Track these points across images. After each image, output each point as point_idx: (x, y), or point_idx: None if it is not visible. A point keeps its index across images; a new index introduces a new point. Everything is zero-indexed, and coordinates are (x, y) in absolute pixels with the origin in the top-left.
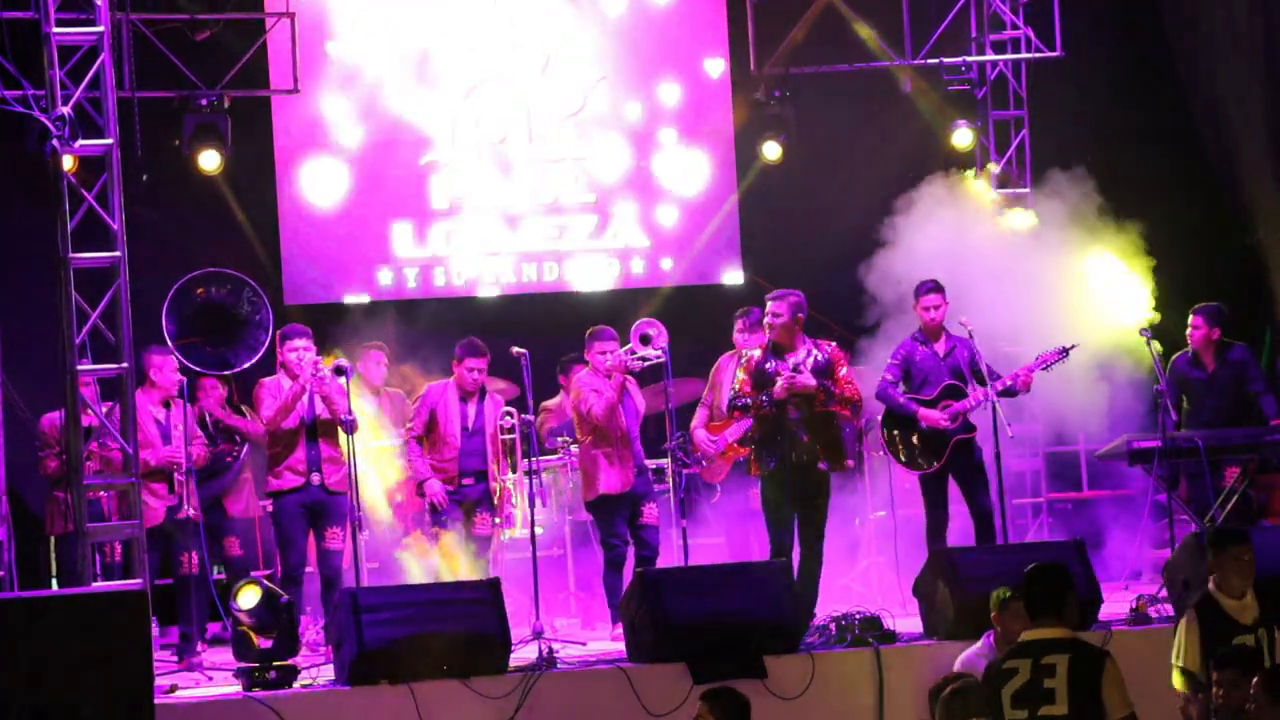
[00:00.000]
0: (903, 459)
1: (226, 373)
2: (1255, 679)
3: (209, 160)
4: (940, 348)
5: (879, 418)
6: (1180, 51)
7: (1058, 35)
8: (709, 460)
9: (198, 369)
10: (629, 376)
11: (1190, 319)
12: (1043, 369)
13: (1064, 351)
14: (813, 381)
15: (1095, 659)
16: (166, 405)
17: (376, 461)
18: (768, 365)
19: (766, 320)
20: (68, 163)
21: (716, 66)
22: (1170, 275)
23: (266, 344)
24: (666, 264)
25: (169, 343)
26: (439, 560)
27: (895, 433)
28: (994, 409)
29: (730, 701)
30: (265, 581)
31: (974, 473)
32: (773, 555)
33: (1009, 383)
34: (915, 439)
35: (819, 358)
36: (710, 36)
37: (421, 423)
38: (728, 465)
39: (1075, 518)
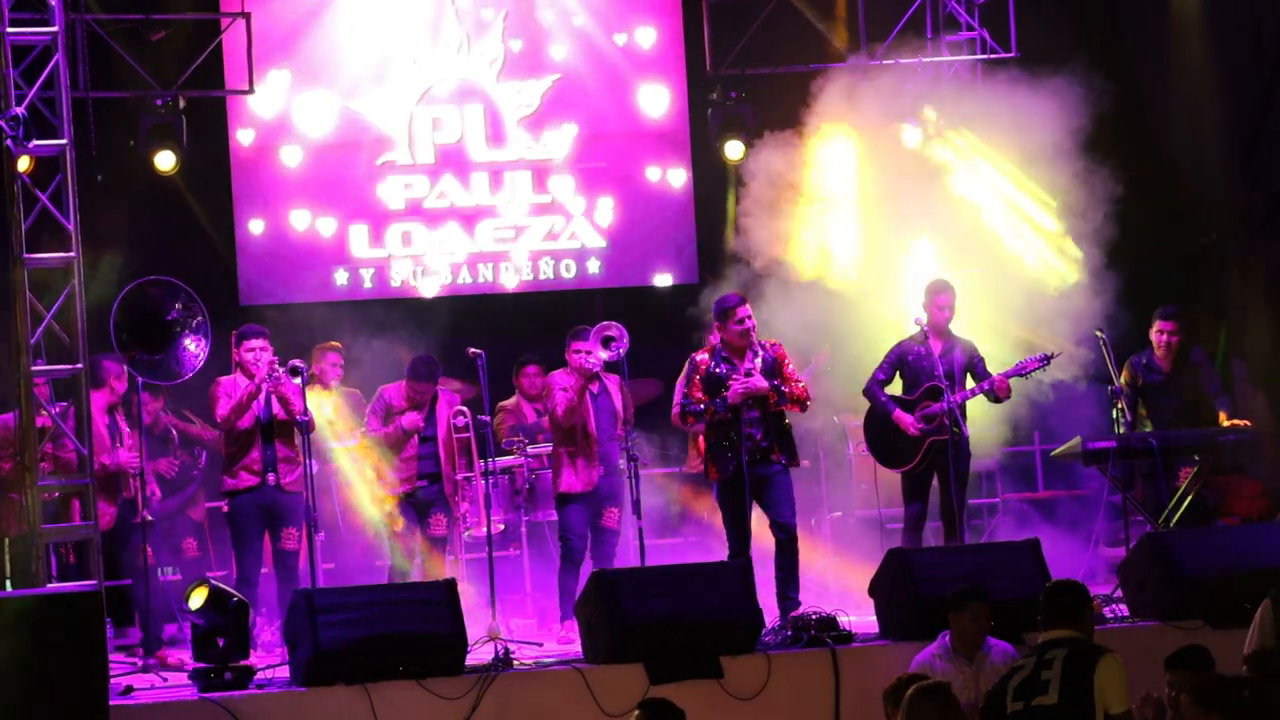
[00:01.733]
0: (880, 456)
1: (174, 382)
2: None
3: (164, 160)
4: (937, 347)
5: (836, 418)
6: (1136, 51)
7: (1013, 36)
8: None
9: (149, 380)
10: (613, 377)
11: (1158, 323)
12: (1021, 375)
13: (1046, 359)
14: (764, 383)
15: (1091, 653)
16: (111, 410)
17: (334, 461)
18: (718, 369)
19: (744, 324)
20: (22, 163)
21: (672, 68)
22: (1126, 276)
23: (208, 349)
24: (622, 265)
25: (121, 356)
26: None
27: (875, 430)
28: (951, 412)
29: (662, 712)
30: (215, 582)
31: (950, 473)
32: (732, 556)
33: (986, 387)
34: (892, 437)
35: (766, 357)
36: (665, 40)
37: (378, 423)
38: None
39: (1031, 518)
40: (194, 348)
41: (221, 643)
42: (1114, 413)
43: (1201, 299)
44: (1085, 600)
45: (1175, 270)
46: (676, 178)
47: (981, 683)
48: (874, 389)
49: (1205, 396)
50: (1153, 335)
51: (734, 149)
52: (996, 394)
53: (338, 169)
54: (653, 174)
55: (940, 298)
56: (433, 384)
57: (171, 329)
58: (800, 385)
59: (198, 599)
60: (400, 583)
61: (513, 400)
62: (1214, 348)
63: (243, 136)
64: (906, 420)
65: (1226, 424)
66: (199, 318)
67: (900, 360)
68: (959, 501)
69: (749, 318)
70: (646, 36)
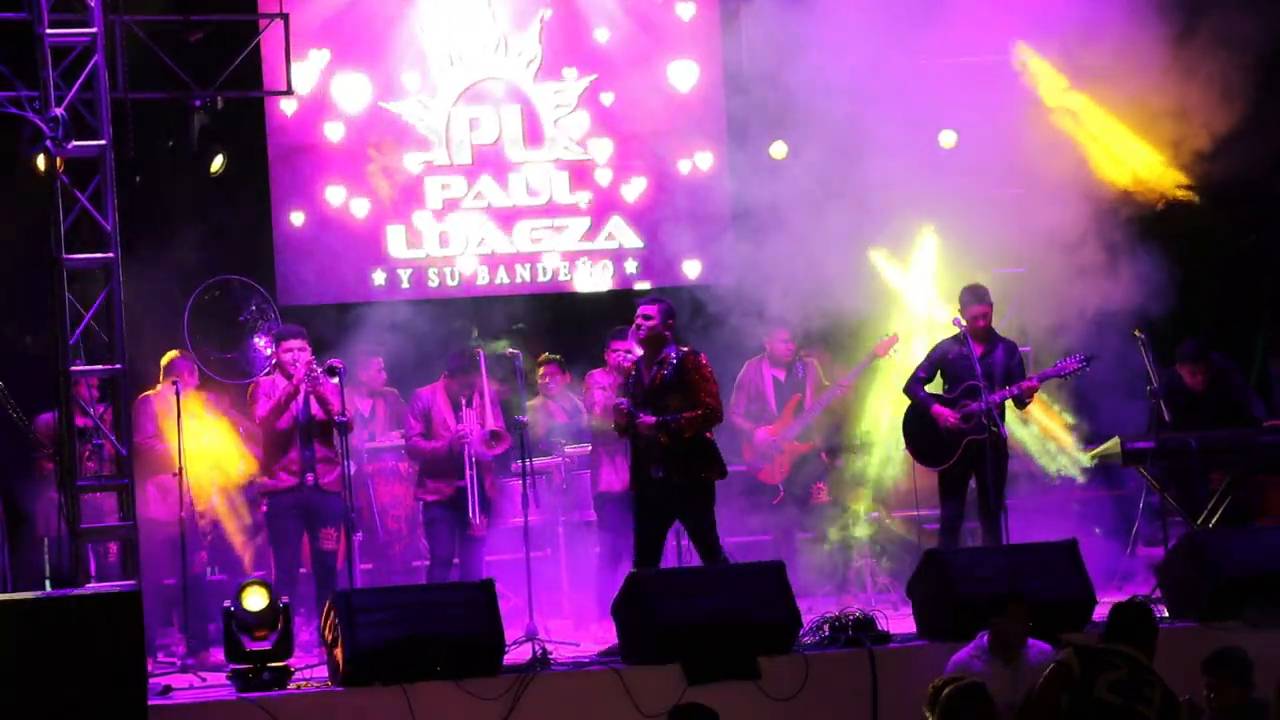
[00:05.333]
0: (917, 454)
1: (244, 381)
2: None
3: (215, 161)
4: (978, 349)
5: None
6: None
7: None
8: (772, 458)
9: (218, 378)
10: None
11: (1189, 365)
12: (1060, 376)
13: (1085, 360)
14: (650, 421)
15: (1180, 709)
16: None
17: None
18: (639, 377)
19: (637, 321)
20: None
21: (710, 68)
22: (1166, 274)
23: (275, 349)
24: (660, 265)
25: (189, 348)
26: None
27: (914, 428)
28: (989, 412)
29: (694, 717)
30: (267, 582)
31: (988, 473)
32: (636, 563)
33: (1015, 391)
34: (931, 435)
35: (665, 374)
36: (704, 36)
37: (421, 427)
38: (789, 464)
39: (1068, 517)
40: (265, 348)
41: (268, 643)
42: (1151, 413)
43: (1241, 302)
44: (1156, 630)
45: (1215, 271)
46: (716, 180)
47: (1019, 684)
48: (914, 386)
49: (1234, 403)
50: (1183, 373)
51: (778, 149)
52: (1021, 398)
53: (375, 170)
54: (691, 175)
55: (974, 308)
56: (476, 374)
57: (243, 329)
58: (710, 401)
59: (259, 600)
60: (437, 583)
61: (538, 399)
62: (1251, 353)
63: (279, 134)
64: (945, 413)
65: (1266, 424)
66: (271, 318)
67: (941, 360)
68: (997, 502)
69: (639, 315)
70: (686, 40)
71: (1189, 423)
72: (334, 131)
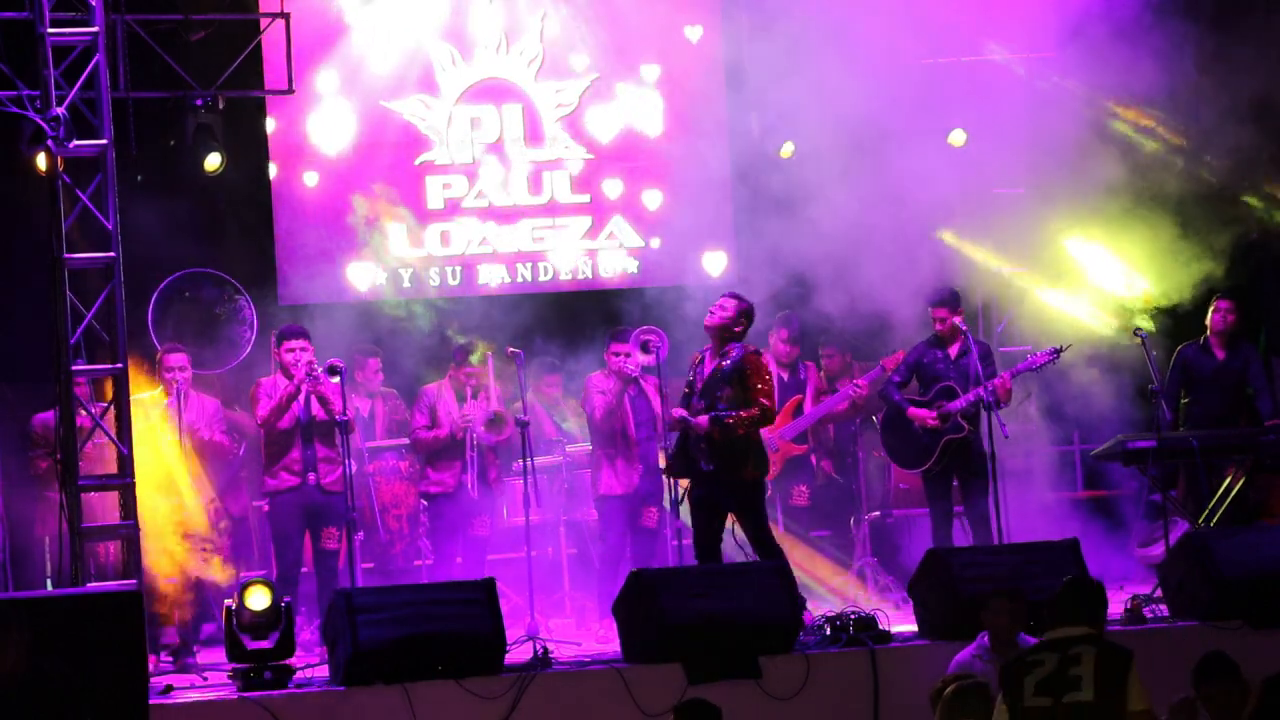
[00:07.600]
0: (897, 458)
1: (217, 370)
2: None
3: (211, 161)
4: (953, 351)
5: (875, 418)
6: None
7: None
8: None
9: (194, 370)
10: (651, 378)
11: (1216, 302)
12: (1031, 370)
13: (1055, 352)
14: (703, 424)
15: (1122, 655)
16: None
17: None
18: (703, 365)
19: (711, 309)
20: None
21: (713, 66)
22: (1168, 271)
23: (251, 342)
24: (661, 263)
25: (156, 345)
26: None
27: (892, 432)
28: (989, 410)
29: (698, 713)
30: (270, 581)
31: (970, 473)
32: (698, 558)
33: (989, 388)
34: (908, 438)
35: (725, 366)
36: (706, 33)
37: (426, 420)
38: (781, 462)
39: (1070, 517)
40: (240, 338)
41: (269, 643)
42: (1154, 411)
43: (1246, 295)
44: (1102, 603)
45: (1219, 265)
46: (718, 177)
47: None
48: (889, 389)
49: (1248, 393)
50: (1210, 318)
51: (787, 148)
52: (996, 396)
53: (376, 169)
54: (693, 173)
55: (933, 310)
56: (483, 365)
57: (219, 320)
58: (765, 401)
59: (261, 599)
60: (438, 583)
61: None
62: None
63: (280, 136)
64: (922, 413)
65: (1269, 423)
66: (240, 302)
67: (916, 364)
68: (980, 500)
69: (716, 306)
70: (689, 38)
71: (1208, 398)
72: (335, 129)
